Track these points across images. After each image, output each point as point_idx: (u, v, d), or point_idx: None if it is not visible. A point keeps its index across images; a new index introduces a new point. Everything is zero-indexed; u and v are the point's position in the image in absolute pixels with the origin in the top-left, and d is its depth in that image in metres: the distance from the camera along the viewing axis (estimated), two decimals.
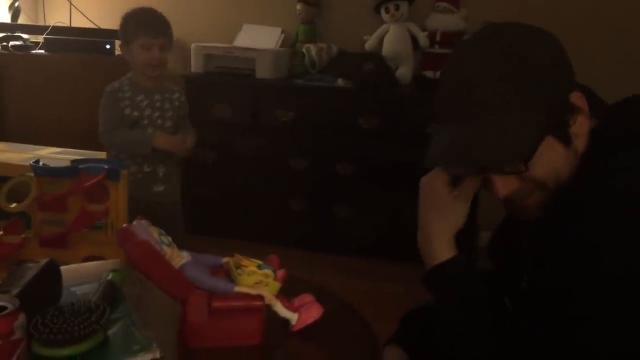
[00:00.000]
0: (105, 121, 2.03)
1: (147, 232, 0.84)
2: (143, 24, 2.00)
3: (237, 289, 0.85)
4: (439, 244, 0.88)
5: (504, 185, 0.83)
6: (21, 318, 0.74)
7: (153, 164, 2.08)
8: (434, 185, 0.89)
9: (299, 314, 0.90)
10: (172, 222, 2.04)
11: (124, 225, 0.85)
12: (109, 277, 0.97)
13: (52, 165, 2.12)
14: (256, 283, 0.86)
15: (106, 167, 2.04)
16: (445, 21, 2.92)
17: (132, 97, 2.03)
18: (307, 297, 0.93)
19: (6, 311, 0.73)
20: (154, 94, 2.06)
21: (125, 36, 2.03)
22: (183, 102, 2.15)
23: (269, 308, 0.88)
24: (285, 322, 0.90)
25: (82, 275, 1.06)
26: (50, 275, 0.92)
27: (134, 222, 0.86)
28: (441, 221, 0.89)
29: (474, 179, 0.86)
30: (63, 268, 0.98)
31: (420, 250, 0.92)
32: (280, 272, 0.89)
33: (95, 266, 1.21)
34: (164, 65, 2.06)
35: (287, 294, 0.91)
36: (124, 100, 2.02)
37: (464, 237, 3.12)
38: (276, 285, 0.88)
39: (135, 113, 2.03)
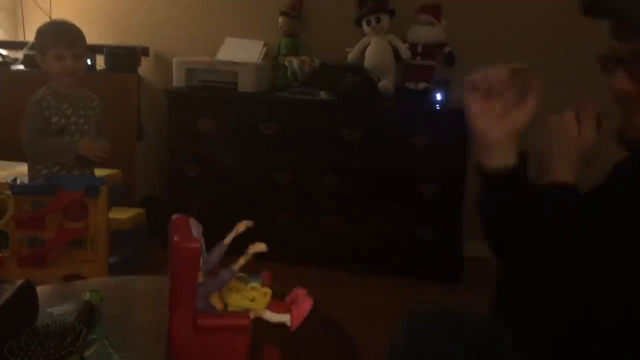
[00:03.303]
0: (29, 130, 2.09)
1: (199, 235, 0.84)
2: (56, 36, 2.09)
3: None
4: (564, 167, 0.96)
5: (622, 81, 0.88)
6: None
7: (81, 168, 2.16)
8: (565, 123, 0.97)
9: (290, 314, 0.89)
10: None
11: (182, 215, 0.85)
12: (86, 297, 0.95)
13: (30, 183, 2.10)
14: (250, 300, 0.86)
15: (85, 183, 2.02)
16: (427, 33, 2.93)
17: (57, 105, 2.10)
18: (299, 291, 0.92)
19: None
20: (78, 102, 2.15)
21: (40, 47, 2.12)
22: (101, 108, 2.25)
23: (260, 319, 0.87)
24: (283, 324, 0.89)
25: (59, 296, 1.04)
26: (26, 297, 0.89)
27: (191, 218, 0.86)
28: (570, 152, 0.96)
29: (589, 118, 0.95)
30: (40, 288, 0.96)
31: (540, 162, 0.99)
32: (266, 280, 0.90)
33: (74, 286, 1.18)
34: (80, 73, 2.15)
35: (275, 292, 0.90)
36: (50, 109, 2.09)
37: (449, 246, 3.09)
38: (264, 301, 0.87)
39: (63, 120, 2.11)
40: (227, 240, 0.89)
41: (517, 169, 0.96)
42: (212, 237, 0.98)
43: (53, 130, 2.09)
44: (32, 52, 3.05)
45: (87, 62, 2.21)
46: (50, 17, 3.28)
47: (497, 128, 0.95)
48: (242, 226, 0.91)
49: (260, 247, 0.87)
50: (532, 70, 0.99)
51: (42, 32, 2.14)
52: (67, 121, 2.11)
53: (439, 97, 2.83)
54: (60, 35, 2.09)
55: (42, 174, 2.11)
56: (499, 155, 0.96)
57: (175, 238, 0.80)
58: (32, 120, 2.09)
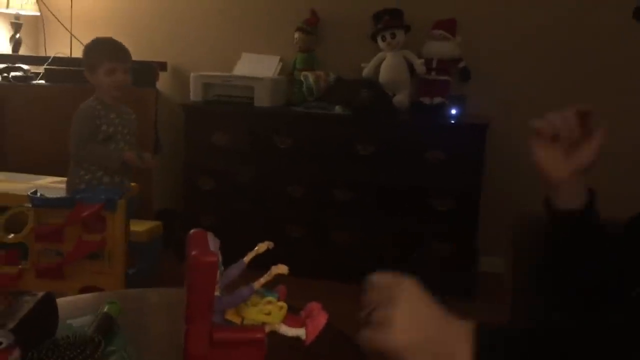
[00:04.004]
0: (79, 134, 2.19)
1: (216, 250, 0.85)
2: (107, 51, 2.23)
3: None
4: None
5: None
6: (15, 353, 0.74)
7: (121, 175, 2.31)
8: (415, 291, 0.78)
9: (305, 328, 0.89)
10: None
11: (199, 229, 0.87)
12: (105, 309, 0.97)
13: (49, 196, 2.14)
14: (265, 314, 0.87)
15: (103, 197, 2.06)
16: (441, 48, 2.95)
17: (106, 114, 2.23)
18: (314, 305, 0.93)
19: (1, 346, 0.72)
20: (122, 113, 2.29)
21: (91, 62, 2.24)
22: (136, 122, 2.39)
23: (275, 332, 0.88)
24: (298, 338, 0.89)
25: (78, 308, 1.06)
26: (47, 308, 0.91)
27: (209, 233, 0.88)
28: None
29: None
30: (59, 300, 0.98)
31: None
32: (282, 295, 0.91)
33: (92, 298, 1.20)
34: (128, 86, 2.29)
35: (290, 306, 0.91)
36: (100, 118, 2.21)
37: (463, 261, 3.06)
38: (280, 315, 0.88)
39: (111, 129, 2.24)
40: (247, 259, 0.91)
41: (581, 216, 0.96)
42: (226, 250, 0.99)
43: (100, 137, 2.21)
44: (53, 67, 3.12)
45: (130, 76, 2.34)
46: (71, 33, 3.35)
47: (561, 168, 0.95)
48: (263, 246, 0.92)
49: (283, 269, 0.88)
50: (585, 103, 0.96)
51: (92, 48, 2.27)
52: (115, 129, 2.24)
53: (453, 112, 2.83)
54: (112, 51, 2.23)
55: (84, 179, 2.22)
56: (564, 197, 0.96)
57: (193, 252, 0.81)
58: (84, 125, 2.19)
